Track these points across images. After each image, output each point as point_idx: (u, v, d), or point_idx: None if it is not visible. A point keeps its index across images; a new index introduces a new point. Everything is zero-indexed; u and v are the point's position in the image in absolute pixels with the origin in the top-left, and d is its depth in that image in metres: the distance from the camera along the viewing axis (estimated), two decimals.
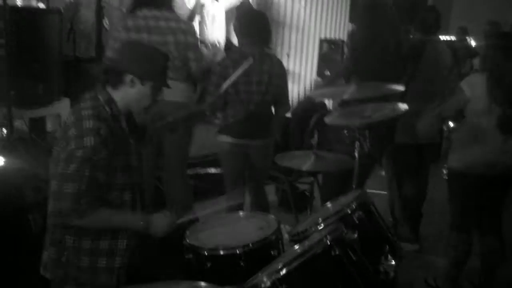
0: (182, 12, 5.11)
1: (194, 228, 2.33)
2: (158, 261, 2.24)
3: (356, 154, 2.79)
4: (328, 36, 7.67)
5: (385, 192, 4.08)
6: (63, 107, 4.20)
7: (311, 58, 7.63)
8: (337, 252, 1.86)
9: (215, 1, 5.93)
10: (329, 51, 6.78)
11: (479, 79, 2.90)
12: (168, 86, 2.23)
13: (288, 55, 7.30)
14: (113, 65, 2.19)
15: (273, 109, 3.45)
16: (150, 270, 2.20)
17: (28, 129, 4.15)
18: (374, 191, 3.95)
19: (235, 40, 4.18)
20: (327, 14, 7.82)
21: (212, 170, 4.43)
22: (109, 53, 3.28)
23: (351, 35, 4.37)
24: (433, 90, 3.68)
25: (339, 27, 8.06)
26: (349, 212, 2.21)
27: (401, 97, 3.07)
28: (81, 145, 1.97)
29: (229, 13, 6.16)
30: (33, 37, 3.94)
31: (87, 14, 5.05)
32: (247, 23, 3.32)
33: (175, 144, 3.44)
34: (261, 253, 2.11)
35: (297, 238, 2.23)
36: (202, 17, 5.83)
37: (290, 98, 3.57)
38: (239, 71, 2.88)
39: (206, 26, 5.89)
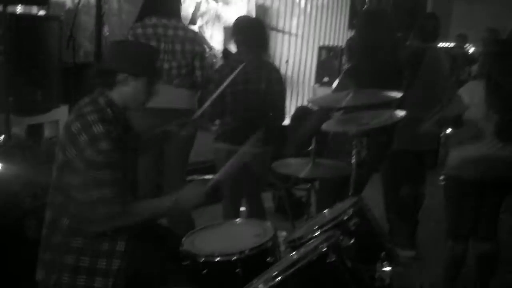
0: (183, 14, 5.13)
1: (191, 235, 2.33)
2: (156, 268, 2.23)
3: (353, 162, 2.78)
4: (327, 43, 7.70)
5: (381, 198, 4.07)
6: (61, 113, 4.20)
7: (310, 65, 7.65)
8: (332, 259, 1.85)
9: (215, 2, 5.95)
10: (328, 58, 6.81)
11: (477, 86, 2.91)
12: (161, 77, 2.24)
13: (287, 62, 7.33)
14: (104, 67, 2.21)
15: (270, 116, 3.44)
16: (148, 277, 2.20)
17: (25, 136, 4.15)
18: (370, 196, 3.94)
19: (233, 49, 4.20)
20: (326, 22, 7.85)
21: (209, 177, 4.42)
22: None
23: (350, 42, 4.37)
24: (433, 97, 3.68)
25: (338, 34, 8.09)
26: (346, 218, 2.19)
27: (400, 104, 3.08)
28: (98, 150, 1.99)
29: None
30: (33, 44, 3.96)
31: (87, 21, 5.07)
32: (244, 31, 3.33)
33: (176, 149, 3.44)
34: (257, 260, 2.10)
35: (293, 244, 2.22)
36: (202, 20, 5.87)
37: (287, 106, 3.57)
38: (231, 77, 2.87)
39: (205, 29, 5.92)
